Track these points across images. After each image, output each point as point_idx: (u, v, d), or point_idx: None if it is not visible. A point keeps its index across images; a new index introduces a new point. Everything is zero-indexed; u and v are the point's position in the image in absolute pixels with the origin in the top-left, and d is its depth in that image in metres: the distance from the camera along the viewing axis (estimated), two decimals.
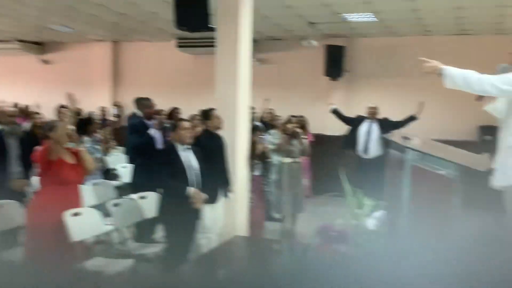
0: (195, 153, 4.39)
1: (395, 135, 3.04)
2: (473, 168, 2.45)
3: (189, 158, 4.33)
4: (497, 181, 2.80)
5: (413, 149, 2.57)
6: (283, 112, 8.66)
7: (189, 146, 4.34)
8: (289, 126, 6.18)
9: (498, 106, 2.92)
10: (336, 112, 7.64)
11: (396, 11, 7.60)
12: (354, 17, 8.15)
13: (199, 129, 5.00)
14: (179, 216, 4.15)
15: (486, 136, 7.85)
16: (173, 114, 8.31)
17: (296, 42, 9.35)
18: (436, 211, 2.50)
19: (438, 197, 2.49)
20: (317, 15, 8.08)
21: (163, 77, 11.16)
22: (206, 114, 4.97)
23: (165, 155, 4.38)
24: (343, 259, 3.02)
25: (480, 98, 2.99)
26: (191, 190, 4.15)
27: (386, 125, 7.06)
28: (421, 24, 8.44)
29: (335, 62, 9.61)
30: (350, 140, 7.34)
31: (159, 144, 5.42)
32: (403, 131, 6.36)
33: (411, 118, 7.09)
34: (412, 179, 2.52)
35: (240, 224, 5.39)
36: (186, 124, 4.39)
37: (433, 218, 2.48)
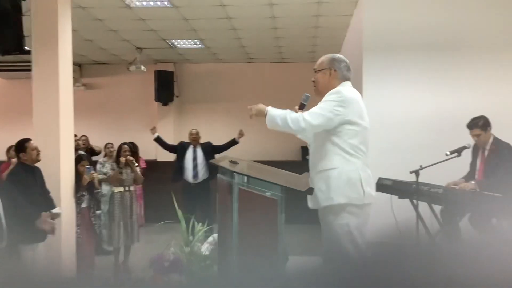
0: (4, 190, 3.91)
1: (223, 160, 3.10)
2: (294, 188, 2.60)
3: None
4: (310, 203, 3.04)
5: (239, 173, 2.64)
6: (112, 138, 8.33)
7: None
8: (123, 154, 5.92)
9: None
10: (159, 140, 7.51)
11: (221, 39, 7.90)
12: (181, 43, 8.26)
13: (14, 161, 4.49)
14: None
15: (308, 156, 8.51)
16: None
17: (124, 67, 9.11)
18: (263, 230, 2.59)
19: (264, 217, 2.59)
20: (144, 40, 8.00)
21: None
22: (22, 146, 4.46)
23: None
24: None
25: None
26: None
27: (209, 150, 7.18)
28: (245, 52, 8.92)
29: (165, 88, 9.60)
30: (178, 168, 7.27)
31: None
32: (230, 155, 6.55)
33: (233, 142, 7.30)
34: (240, 201, 2.58)
35: (68, 263, 4.97)
36: None
37: (260, 238, 2.57)
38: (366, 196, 2.93)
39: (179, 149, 7.32)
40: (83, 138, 8.57)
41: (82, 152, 6.96)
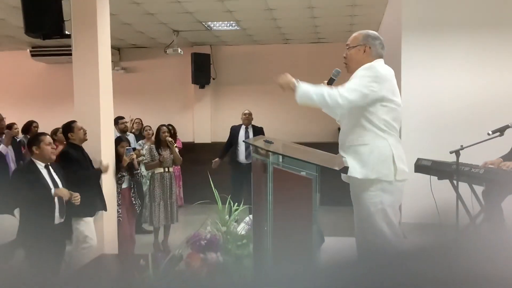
0: (59, 170, 4.14)
1: (258, 140, 3.11)
2: (329, 167, 2.59)
3: (52, 176, 4.08)
4: (344, 177, 3.02)
5: (274, 152, 2.64)
6: (151, 120, 8.49)
7: (51, 163, 4.08)
8: (162, 136, 6.04)
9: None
10: (222, 157, 7.30)
11: (257, 20, 7.86)
12: (217, 25, 8.27)
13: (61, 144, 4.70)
14: (44, 237, 3.84)
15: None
16: (29, 128, 7.69)
17: (161, 50, 9.22)
18: (298, 210, 2.59)
19: (299, 196, 2.58)
20: (180, 23, 8.05)
21: (16, 88, 10.29)
22: (69, 127, 4.70)
23: (24, 174, 4.03)
24: (214, 268, 3.01)
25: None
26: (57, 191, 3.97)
27: (260, 133, 7.21)
28: (281, 32, 8.85)
29: (201, 70, 9.67)
30: (233, 150, 7.31)
31: (12, 162, 4.95)
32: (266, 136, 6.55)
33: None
34: (274, 181, 2.58)
35: (109, 241, 5.14)
36: (49, 139, 4.11)
37: (295, 217, 2.57)
38: (399, 172, 2.87)
39: (233, 133, 7.38)
40: (137, 120, 8.74)
41: (122, 134, 7.10)
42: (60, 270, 4.09)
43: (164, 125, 6.31)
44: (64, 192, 3.99)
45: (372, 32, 3.11)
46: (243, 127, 7.34)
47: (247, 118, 7.37)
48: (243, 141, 7.06)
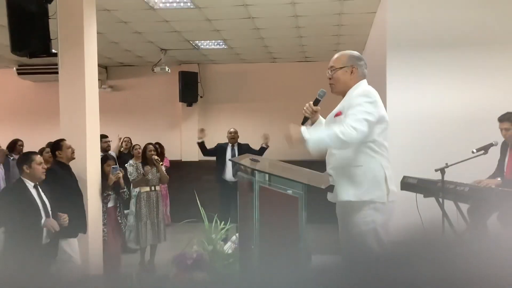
0: (46, 189, 4.10)
1: (244, 159, 3.11)
2: (315, 186, 2.59)
3: (41, 196, 4.07)
4: (329, 196, 3.03)
5: (260, 171, 2.64)
6: (138, 138, 8.45)
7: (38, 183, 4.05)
8: (148, 154, 6.02)
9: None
10: (202, 145, 7.53)
11: (244, 39, 7.92)
12: (205, 44, 8.32)
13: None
14: (31, 257, 3.79)
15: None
16: (14, 147, 7.62)
17: (149, 69, 9.23)
18: (285, 228, 2.58)
19: (285, 215, 2.58)
20: (168, 41, 8.08)
21: (2, 106, 10.21)
22: (57, 145, 4.69)
23: (13, 194, 4.00)
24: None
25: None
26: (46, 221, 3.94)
27: (246, 151, 7.19)
28: (268, 51, 8.92)
29: (189, 88, 9.69)
30: (220, 168, 7.34)
31: (2, 180, 4.92)
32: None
33: (263, 149, 7.27)
34: (261, 199, 2.58)
35: (94, 260, 5.06)
36: (40, 159, 4.10)
37: (281, 236, 2.57)
38: (391, 193, 2.91)
39: (219, 151, 7.39)
40: (126, 139, 8.70)
41: (110, 153, 7.06)
42: None
43: (150, 143, 6.29)
44: (54, 225, 3.96)
45: (355, 52, 3.15)
46: (229, 145, 7.35)
47: (233, 137, 7.40)
48: (229, 159, 7.06)
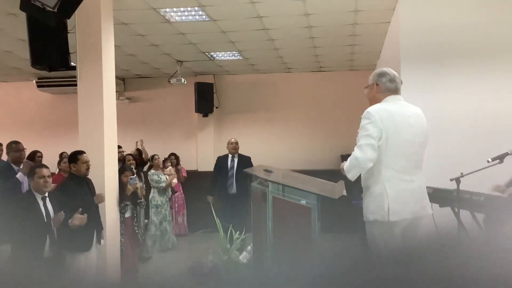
0: (56, 202, 4.12)
1: (258, 169, 3.15)
2: (328, 196, 2.62)
3: (47, 208, 4.05)
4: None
5: (273, 182, 2.68)
6: (155, 149, 8.55)
7: (46, 195, 4.07)
8: (126, 164, 6.10)
9: None
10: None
11: (259, 50, 8.00)
12: (220, 55, 8.41)
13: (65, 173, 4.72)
14: (37, 272, 3.83)
15: None
16: (33, 158, 7.76)
17: (165, 80, 9.36)
18: (298, 238, 2.61)
19: (299, 225, 2.61)
20: (184, 53, 8.19)
21: (22, 118, 10.44)
22: (74, 158, 4.64)
23: (22, 204, 4.04)
24: None
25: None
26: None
27: (246, 163, 6.89)
28: (282, 62, 8.98)
29: (205, 99, 9.79)
30: (216, 180, 7.27)
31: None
32: (269, 164, 6.52)
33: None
34: (274, 210, 2.62)
35: (112, 270, 5.13)
36: (42, 172, 4.04)
37: (295, 245, 2.59)
38: (391, 214, 2.92)
39: (220, 163, 7.30)
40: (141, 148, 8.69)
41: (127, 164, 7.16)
42: None
43: (130, 154, 6.43)
44: (82, 221, 4.02)
45: (380, 69, 3.29)
46: (230, 156, 7.20)
47: (234, 147, 7.21)
48: (243, 170, 6.96)
